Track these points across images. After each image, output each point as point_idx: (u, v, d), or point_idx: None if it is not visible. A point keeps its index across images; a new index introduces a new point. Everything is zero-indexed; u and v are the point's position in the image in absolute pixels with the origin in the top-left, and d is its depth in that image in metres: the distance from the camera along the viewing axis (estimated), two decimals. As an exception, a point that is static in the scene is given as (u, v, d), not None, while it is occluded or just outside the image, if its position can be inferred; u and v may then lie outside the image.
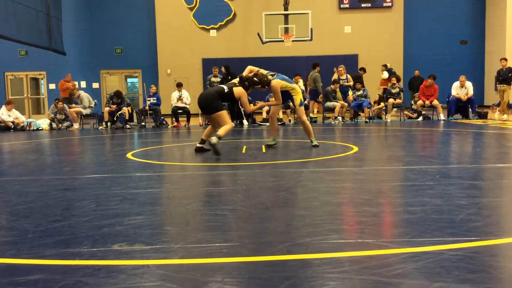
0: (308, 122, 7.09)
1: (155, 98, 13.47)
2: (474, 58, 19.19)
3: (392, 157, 6.21)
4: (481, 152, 6.70)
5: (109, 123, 12.91)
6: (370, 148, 7.45)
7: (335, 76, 13.66)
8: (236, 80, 6.90)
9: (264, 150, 6.83)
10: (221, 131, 6.30)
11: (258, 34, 15.36)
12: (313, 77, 13.50)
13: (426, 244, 2.50)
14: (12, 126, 12.98)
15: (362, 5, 18.49)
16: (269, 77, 6.77)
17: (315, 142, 6.98)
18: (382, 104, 13.61)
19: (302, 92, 7.31)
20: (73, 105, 13.49)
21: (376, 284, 2.01)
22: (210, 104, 6.45)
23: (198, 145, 6.67)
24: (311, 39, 15.06)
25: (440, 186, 4.00)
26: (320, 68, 13.73)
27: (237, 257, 2.39)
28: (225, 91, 6.51)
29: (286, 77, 6.98)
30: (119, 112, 12.92)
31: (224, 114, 6.52)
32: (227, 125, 6.39)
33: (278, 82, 6.76)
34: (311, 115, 13.35)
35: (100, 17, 19.36)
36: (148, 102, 13.32)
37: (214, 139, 6.06)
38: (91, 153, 7.85)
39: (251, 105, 7.61)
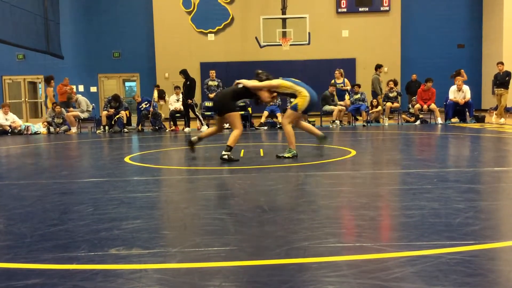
0: (288, 128, 6.35)
1: (147, 103, 13.45)
2: (471, 62, 19.26)
3: (390, 161, 6.21)
4: (478, 156, 6.71)
5: (107, 127, 12.90)
6: (367, 151, 7.45)
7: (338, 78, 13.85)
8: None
9: (262, 154, 6.83)
10: (230, 141, 6.19)
11: (256, 38, 15.39)
12: (372, 79, 13.89)
13: (424, 247, 2.50)
14: (10, 130, 12.96)
15: (360, 9, 18.55)
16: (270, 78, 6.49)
17: (287, 154, 6.23)
18: (380, 107, 13.64)
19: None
20: (71, 109, 13.48)
21: (374, 288, 2.01)
22: (223, 104, 6.36)
23: (192, 138, 6.68)
24: (309, 43, 15.10)
25: (438, 190, 4.00)
26: (318, 72, 13.81)
27: (235, 261, 2.39)
28: (239, 86, 6.47)
29: (297, 81, 6.54)
30: (117, 116, 12.91)
31: (236, 116, 6.35)
32: (236, 132, 6.24)
33: (276, 81, 6.43)
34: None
35: (98, 20, 19.37)
36: (151, 109, 13.29)
37: (224, 152, 6.11)
38: (88, 157, 7.84)
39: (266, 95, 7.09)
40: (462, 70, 14.02)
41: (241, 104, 13.46)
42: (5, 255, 2.57)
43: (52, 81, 13.78)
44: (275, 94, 6.66)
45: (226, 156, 6.09)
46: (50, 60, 17.35)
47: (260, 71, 6.57)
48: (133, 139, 10.92)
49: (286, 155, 6.23)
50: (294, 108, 6.33)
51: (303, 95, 6.29)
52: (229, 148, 6.15)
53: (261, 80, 6.44)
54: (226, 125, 11.31)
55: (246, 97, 6.79)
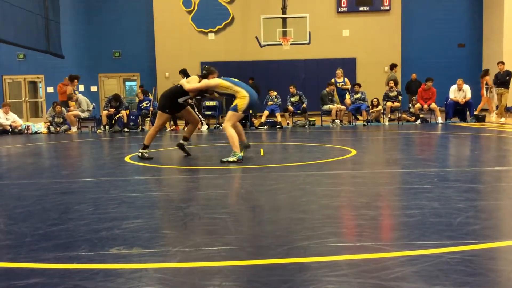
0: (230, 131, 6.08)
1: (148, 102, 13.45)
2: (471, 61, 19.24)
3: (390, 160, 6.21)
4: (479, 155, 6.71)
5: (107, 127, 12.90)
6: (368, 151, 7.46)
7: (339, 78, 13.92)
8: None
9: (262, 154, 6.84)
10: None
11: (256, 37, 15.38)
12: (389, 77, 14.15)
13: (424, 247, 2.50)
14: (10, 129, 12.97)
15: (360, 8, 18.54)
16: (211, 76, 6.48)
17: (232, 158, 5.91)
18: (380, 107, 13.64)
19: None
20: (71, 108, 13.48)
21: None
22: (163, 104, 6.73)
23: (181, 141, 6.93)
24: (309, 43, 15.09)
25: (438, 189, 4.00)
26: (319, 72, 13.80)
27: (235, 260, 2.39)
28: (178, 86, 6.73)
29: (236, 81, 6.37)
30: (117, 116, 12.91)
31: (159, 115, 6.74)
32: (150, 130, 6.90)
33: (214, 80, 6.33)
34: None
35: (99, 20, 19.37)
36: (151, 108, 13.30)
37: (139, 151, 6.72)
38: (89, 156, 7.84)
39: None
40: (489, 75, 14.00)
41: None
42: (5, 255, 2.57)
43: (76, 80, 13.79)
44: (215, 94, 6.75)
45: (139, 153, 6.65)
46: (50, 59, 17.34)
47: (205, 67, 6.72)
48: (133, 138, 10.91)
49: (231, 159, 5.90)
50: (234, 109, 6.14)
51: (242, 96, 6.13)
52: (145, 146, 6.72)
53: (202, 75, 6.57)
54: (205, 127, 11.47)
55: (186, 94, 6.80)
